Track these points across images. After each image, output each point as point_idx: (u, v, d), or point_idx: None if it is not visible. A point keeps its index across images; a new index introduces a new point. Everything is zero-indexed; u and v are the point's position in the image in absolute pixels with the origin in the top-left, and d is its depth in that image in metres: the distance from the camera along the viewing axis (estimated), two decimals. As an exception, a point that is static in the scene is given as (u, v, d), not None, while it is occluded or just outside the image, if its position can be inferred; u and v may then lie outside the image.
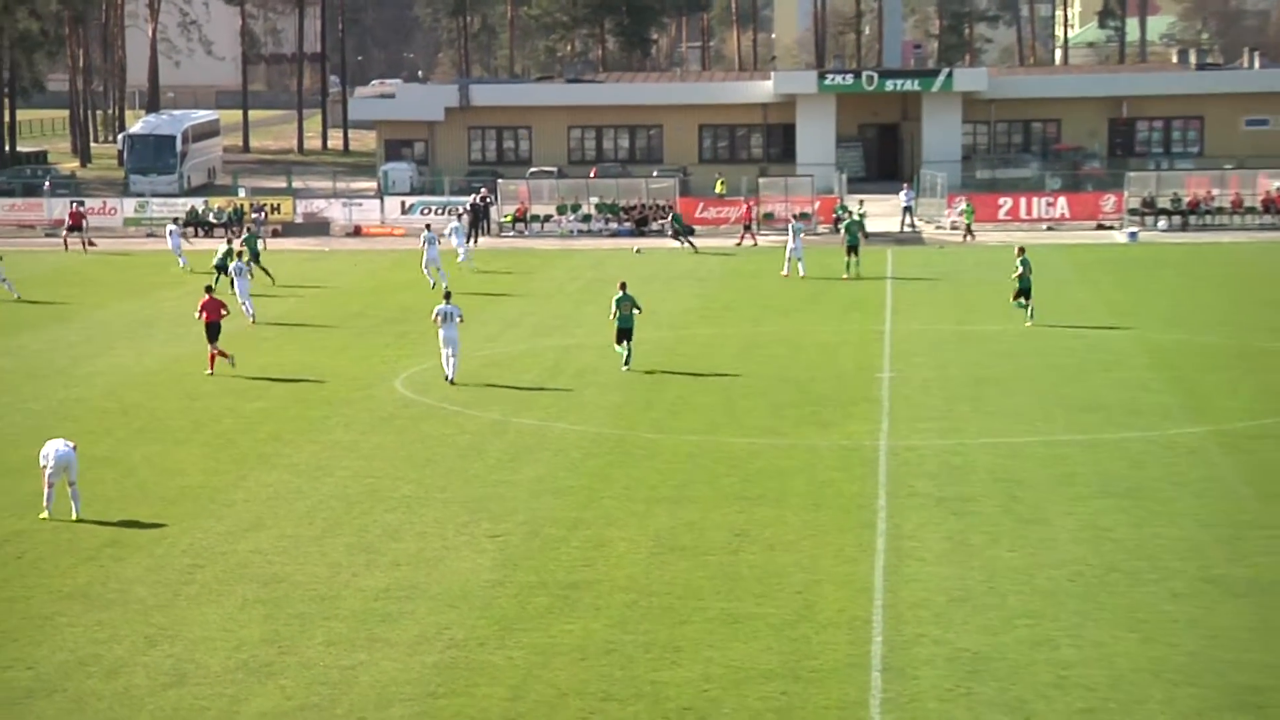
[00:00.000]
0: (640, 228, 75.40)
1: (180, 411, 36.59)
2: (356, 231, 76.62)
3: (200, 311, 41.44)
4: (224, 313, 41.47)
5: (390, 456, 32.26)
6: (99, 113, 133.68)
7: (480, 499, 28.95)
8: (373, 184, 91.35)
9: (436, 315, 39.94)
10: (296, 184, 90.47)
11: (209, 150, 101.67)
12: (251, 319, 48.23)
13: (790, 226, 61.38)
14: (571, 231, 75.25)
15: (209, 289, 42.63)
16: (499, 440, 33.62)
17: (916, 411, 35.74)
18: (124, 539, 26.55)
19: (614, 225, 75.70)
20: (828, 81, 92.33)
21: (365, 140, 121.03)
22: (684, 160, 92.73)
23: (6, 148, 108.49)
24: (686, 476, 30.44)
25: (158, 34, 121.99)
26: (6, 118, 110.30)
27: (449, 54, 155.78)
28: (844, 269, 57.36)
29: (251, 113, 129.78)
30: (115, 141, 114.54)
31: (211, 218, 77.00)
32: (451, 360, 39.39)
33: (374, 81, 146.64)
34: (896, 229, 72.43)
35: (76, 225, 70.91)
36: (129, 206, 79.84)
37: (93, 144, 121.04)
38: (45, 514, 27.79)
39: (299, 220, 77.31)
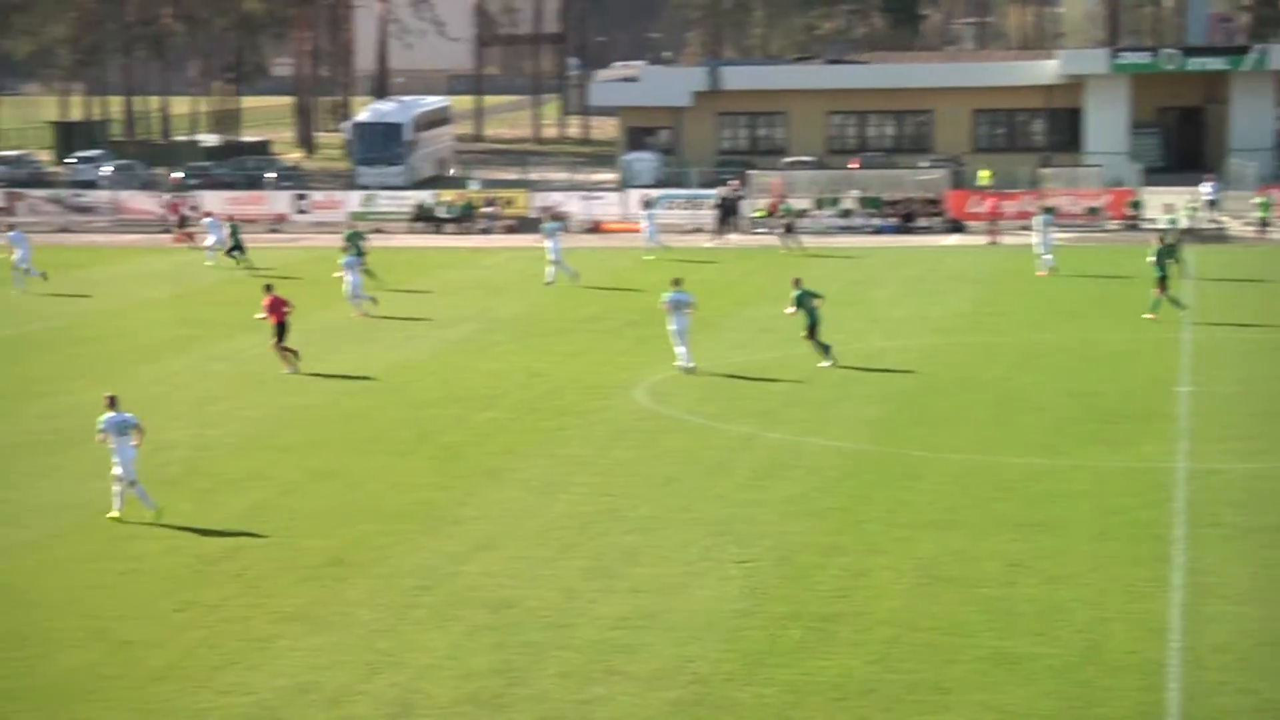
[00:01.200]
0: (906, 224, 74.85)
1: (406, 421, 37.31)
2: (595, 228, 77.31)
3: (267, 313, 42.65)
4: (287, 310, 42.68)
5: (629, 473, 32.48)
6: (324, 100, 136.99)
7: (726, 521, 28.98)
8: (613, 175, 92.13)
9: (666, 303, 40.46)
10: (532, 175, 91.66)
11: (439, 140, 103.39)
12: (361, 312, 50.72)
13: (1036, 220, 60.66)
14: (830, 228, 74.99)
15: (269, 288, 43.87)
16: (747, 457, 33.62)
17: (1219, 430, 34.88)
18: (346, 557, 27.14)
19: (877, 221, 75.25)
20: (1121, 60, 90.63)
21: (606, 128, 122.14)
22: (956, 149, 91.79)
23: (230, 137, 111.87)
24: (955, 500, 30.11)
25: (388, 14, 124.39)
26: (229, 105, 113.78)
27: (698, 34, 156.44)
28: (1150, 307, 48.81)
29: (485, 99, 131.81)
30: (341, 130, 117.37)
31: (443, 212, 78.37)
32: (683, 351, 40.09)
33: (616, 64, 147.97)
34: (1199, 225, 70.77)
35: (182, 221, 72.90)
36: (354, 200, 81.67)
37: (318, 133, 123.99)
38: (114, 513, 29.09)
39: (534, 215, 78.26)
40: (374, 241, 72.74)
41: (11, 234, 59.80)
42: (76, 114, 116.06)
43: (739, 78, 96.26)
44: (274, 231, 76.92)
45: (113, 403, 29.69)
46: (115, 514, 29.37)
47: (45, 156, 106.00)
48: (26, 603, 24.85)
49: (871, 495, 30.47)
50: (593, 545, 27.71)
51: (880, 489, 30.90)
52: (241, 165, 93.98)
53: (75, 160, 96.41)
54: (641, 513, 29.64)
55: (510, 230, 75.38)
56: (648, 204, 71.54)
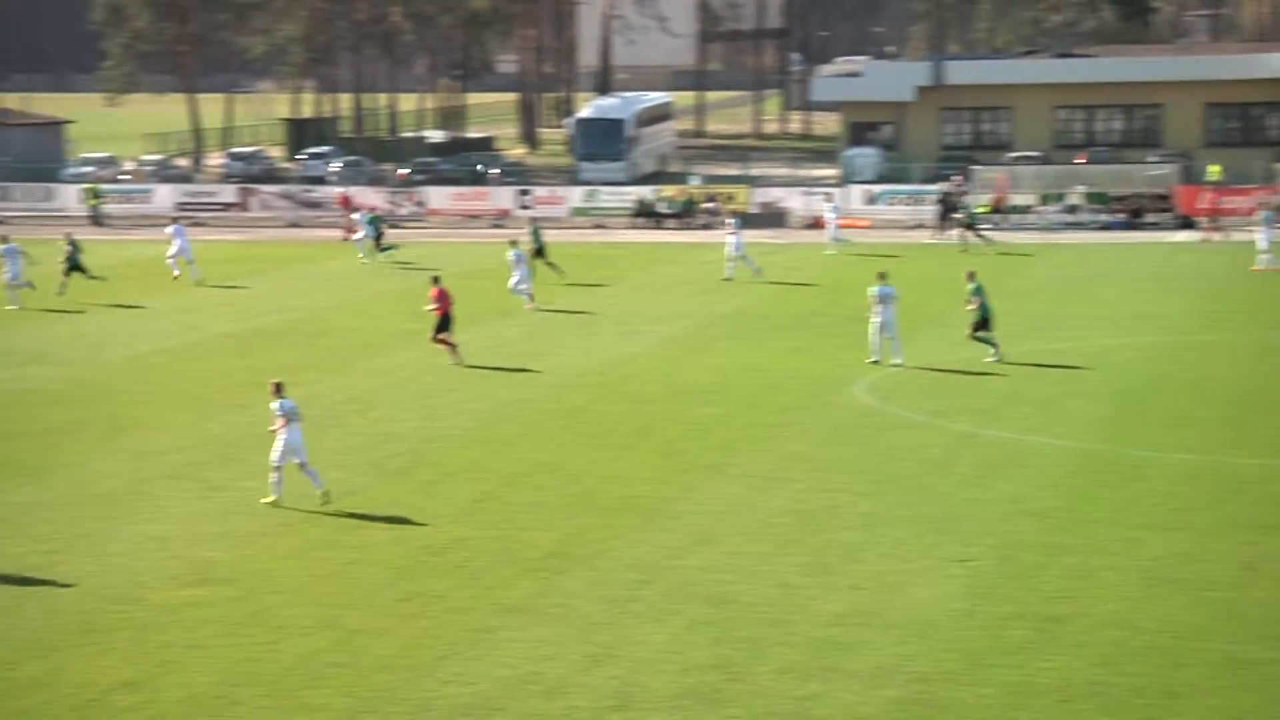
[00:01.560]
0: (1134, 220, 73.55)
1: (626, 416, 37.52)
2: (816, 223, 77.08)
3: (435, 304, 43.15)
4: (452, 303, 43.30)
5: (849, 469, 32.34)
6: (548, 96, 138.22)
7: (947, 519, 28.73)
8: (835, 171, 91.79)
9: (873, 296, 40.71)
10: (753, 171, 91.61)
11: (660, 135, 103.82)
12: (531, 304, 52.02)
13: (1261, 216, 59.57)
14: (1055, 224, 73.95)
15: (436, 279, 44.25)
16: (969, 454, 33.29)
17: None
18: (566, 550, 27.37)
19: (1104, 217, 74.05)
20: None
21: (828, 123, 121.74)
22: (1186, 144, 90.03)
23: (455, 133, 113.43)
24: (1184, 500, 29.54)
25: (611, 10, 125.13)
26: (455, 101, 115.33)
27: (922, 28, 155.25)
28: None
29: (707, 94, 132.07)
30: (563, 126, 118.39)
31: (664, 208, 78.68)
32: (892, 343, 40.94)
33: (838, 59, 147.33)
34: None
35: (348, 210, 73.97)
36: (576, 195, 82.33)
37: (541, 129, 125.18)
38: (270, 499, 29.77)
39: (755, 210, 78.25)
40: (597, 236, 73.22)
41: (172, 227, 61.14)
42: (307, 111, 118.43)
43: (963, 72, 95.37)
44: (496, 227, 77.80)
45: (279, 389, 30.24)
46: (271, 499, 30.04)
47: (277, 153, 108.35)
48: (260, 590, 25.41)
49: (1097, 495, 30.00)
50: (812, 541, 27.64)
51: (1106, 489, 30.41)
52: (466, 161, 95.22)
53: (305, 156, 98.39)
54: (861, 509, 29.49)
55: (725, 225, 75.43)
56: (828, 199, 71.37)
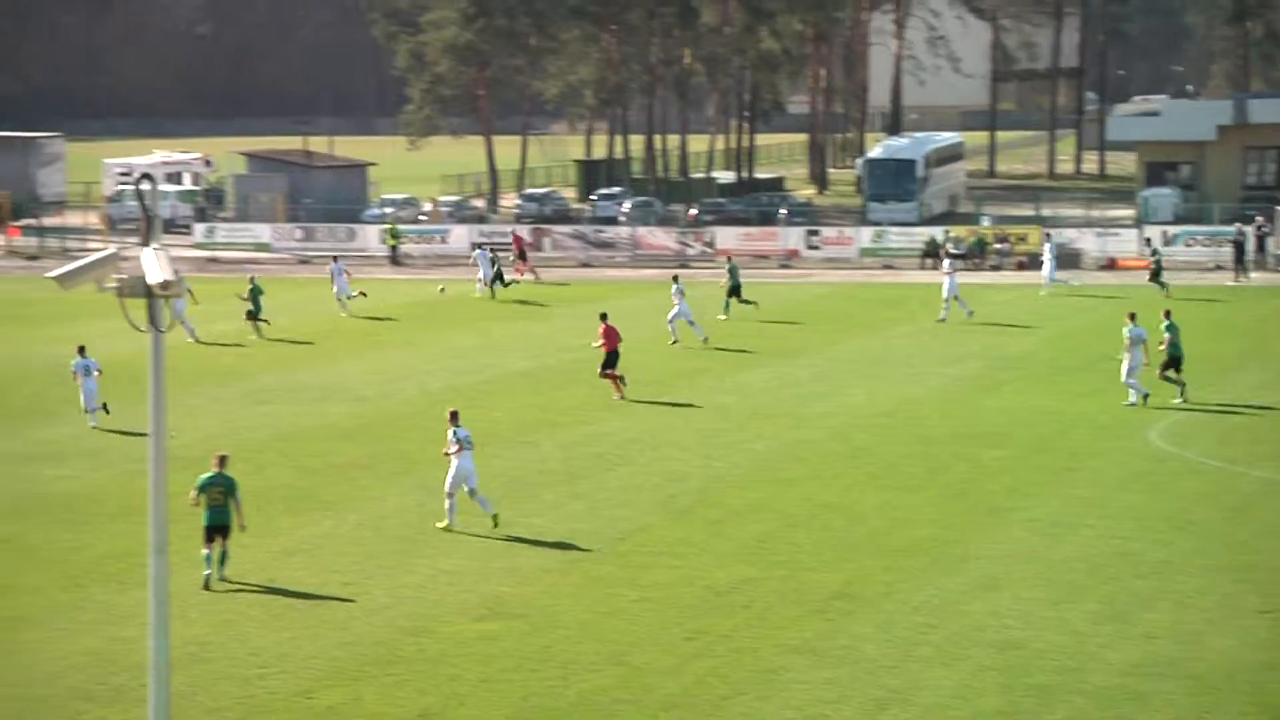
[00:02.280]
0: None
1: (913, 457, 37.23)
2: (1111, 264, 75.73)
3: (602, 340, 44.31)
4: (619, 340, 44.47)
5: (1142, 516, 31.66)
6: (838, 136, 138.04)
7: (1247, 568, 27.95)
8: (1130, 211, 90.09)
9: (1128, 337, 40.60)
10: (1045, 211, 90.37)
11: (951, 175, 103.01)
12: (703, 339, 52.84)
13: None
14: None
15: (604, 316, 45.36)
16: (1270, 502, 32.36)
17: None
18: (852, 591, 27.24)
19: None
20: None
21: (1124, 163, 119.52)
22: None
23: (745, 174, 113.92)
24: None
25: (903, 51, 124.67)
26: (745, 142, 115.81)
27: (1223, 65, 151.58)
28: None
29: (999, 134, 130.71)
30: (853, 166, 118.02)
31: (951, 248, 78.09)
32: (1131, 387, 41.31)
33: (1136, 98, 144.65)
34: None
35: (522, 254, 74.64)
36: (865, 236, 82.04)
37: (830, 169, 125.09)
38: (444, 524, 30.86)
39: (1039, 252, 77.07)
40: (885, 277, 72.88)
41: (334, 265, 63.00)
42: (600, 152, 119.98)
43: (1268, 110, 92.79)
44: (784, 268, 77.87)
45: (455, 418, 31.70)
46: (444, 524, 31.12)
47: (570, 194, 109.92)
48: (547, 625, 25.74)
49: (1405, 547, 28.91)
50: (1103, 589, 27.10)
51: None
52: (755, 201, 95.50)
53: (597, 197, 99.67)
54: (1156, 557, 28.84)
55: (1020, 267, 74.48)
56: (1048, 238, 70.09)
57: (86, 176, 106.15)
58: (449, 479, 31.22)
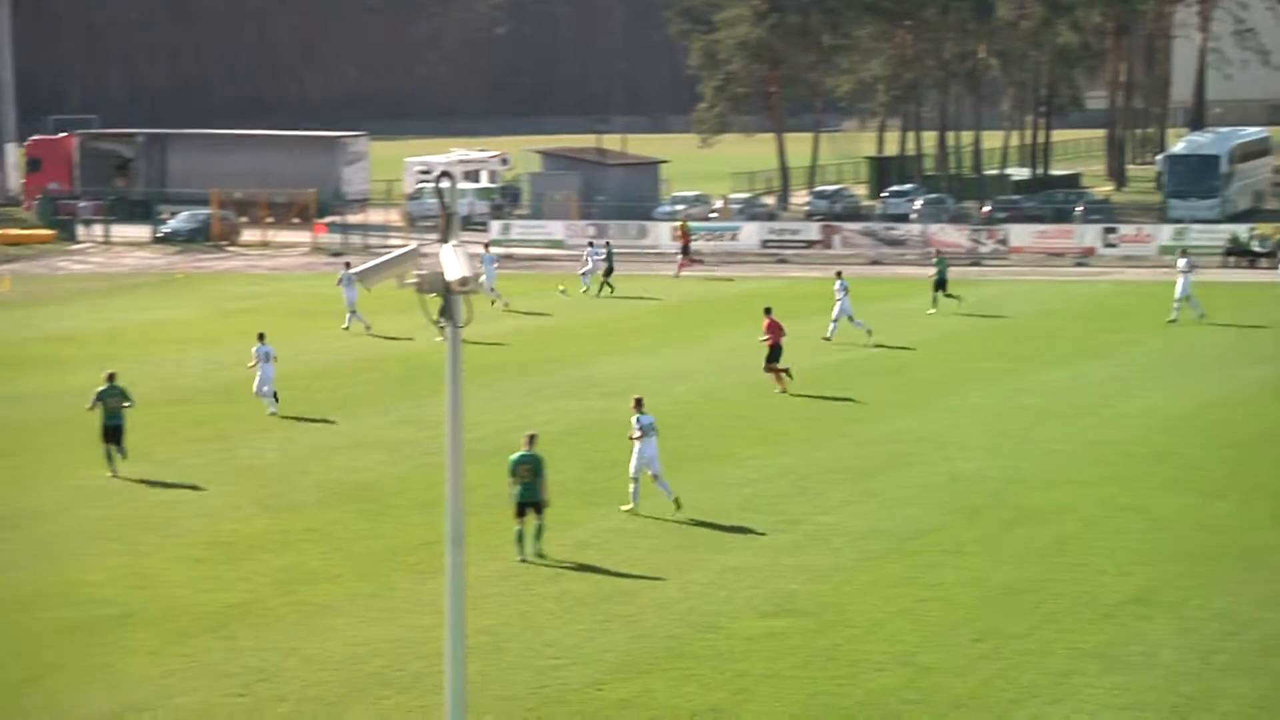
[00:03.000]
0: None
1: (1218, 461, 36.32)
2: None
3: (766, 335, 44.88)
4: (784, 334, 45.04)
5: None
6: (1137, 132, 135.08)
7: None
8: None
9: None
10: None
11: (1257, 171, 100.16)
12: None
13: None
14: None
15: (768, 310, 45.81)
16: None
17: None
18: (1149, 597, 26.69)
19: None
20: None
21: None
22: None
23: (1040, 170, 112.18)
24: None
25: (1208, 43, 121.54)
26: (1041, 138, 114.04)
27: None
28: None
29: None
30: (1153, 162, 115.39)
31: (1255, 246, 75.90)
32: None
33: None
34: None
35: (685, 249, 74.39)
36: (1165, 234, 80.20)
37: (1129, 166, 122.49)
38: (629, 506, 31.93)
39: (1359, 249, 74.49)
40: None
41: (485, 255, 63.31)
42: (891, 149, 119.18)
43: None
44: (1079, 265, 76.48)
45: (639, 404, 32.55)
46: (629, 507, 32.23)
47: (861, 191, 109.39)
48: (835, 624, 25.70)
49: None
50: None
51: None
52: (1050, 198, 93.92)
53: (888, 194, 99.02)
54: None
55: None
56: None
57: (388, 175, 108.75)
58: (632, 464, 32.31)
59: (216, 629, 25.79)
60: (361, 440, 39.42)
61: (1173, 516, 31.67)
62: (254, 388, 42.59)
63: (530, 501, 29.21)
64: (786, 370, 45.23)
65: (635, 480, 32.24)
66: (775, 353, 45.21)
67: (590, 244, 71.66)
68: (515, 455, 29.37)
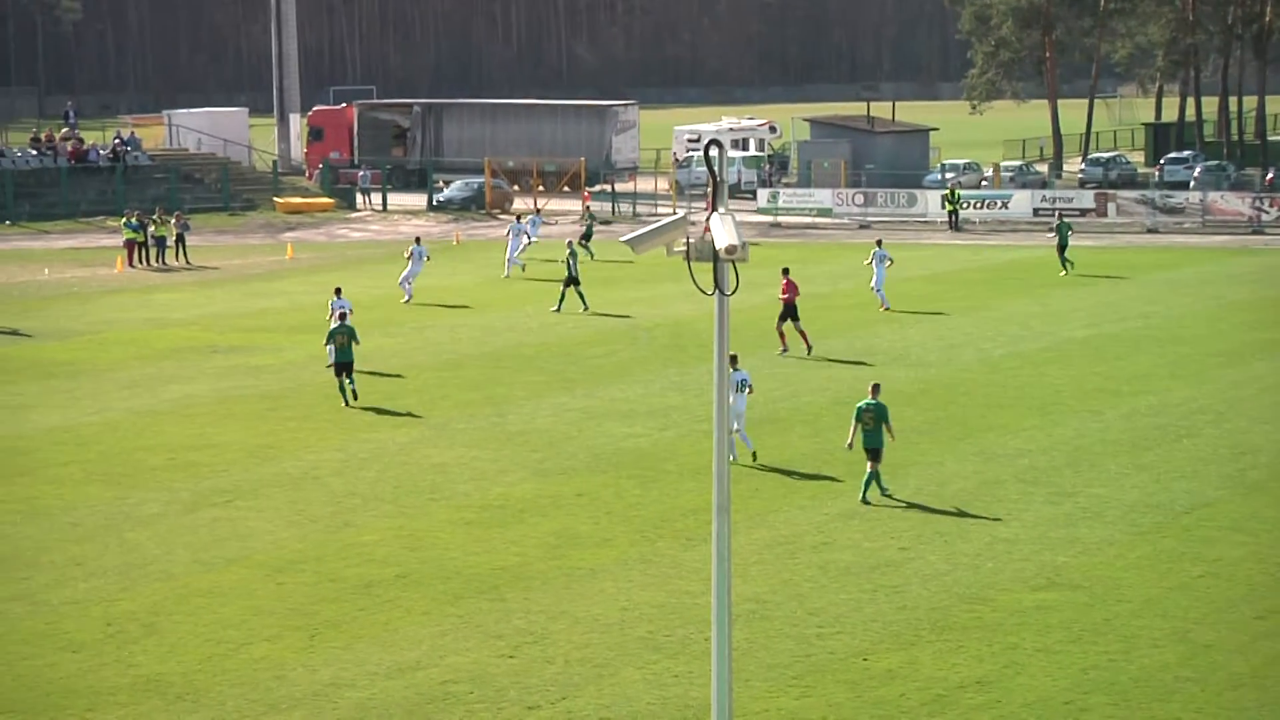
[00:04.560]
0: None
1: None
2: None
3: (784, 293, 45.66)
4: (798, 295, 45.70)
5: None
6: None
7: None
8: None
9: None
10: None
11: None
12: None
13: None
14: None
15: (786, 271, 46.13)
16: None
17: None
18: None
19: None
20: None
21: None
22: None
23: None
24: None
25: None
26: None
27: None
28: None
29: None
30: None
31: None
32: None
33: None
34: None
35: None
36: None
37: None
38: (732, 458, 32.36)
39: None
40: None
41: (515, 224, 64.40)
42: (1170, 115, 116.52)
43: None
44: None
45: (734, 361, 32.63)
46: (732, 459, 32.59)
47: (1137, 158, 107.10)
48: (1108, 598, 25.22)
49: None
50: None
51: None
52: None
53: (1165, 161, 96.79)
54: None
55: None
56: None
57: (658, 143, 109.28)
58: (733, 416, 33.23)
59: (487, 591, 26.18)
60: (631, 407, 39.69)
61: None
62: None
63: (872, 447, 30.70)
64: (803, 333, 45.86)
65: (736, 431, 33.26)
66: (789, 310, 45.86)
67: (518, 219, 67.79)
68: (861, 403, 31.11)
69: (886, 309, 53.37)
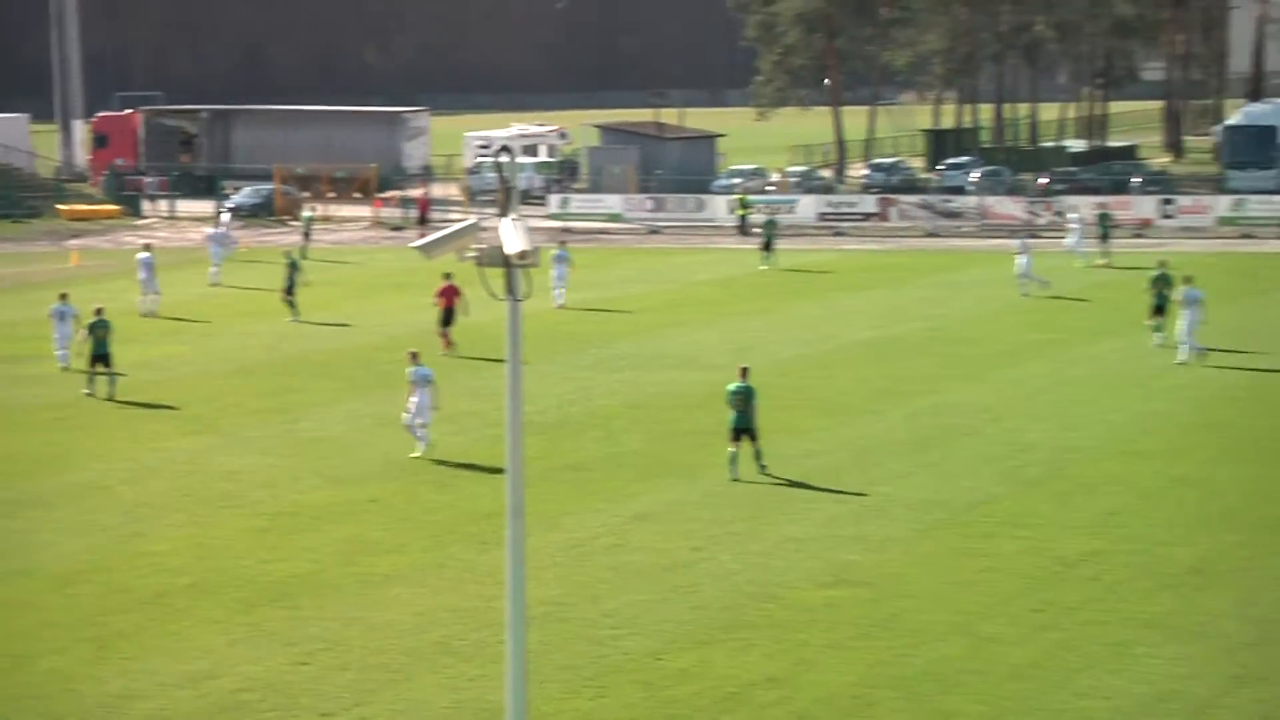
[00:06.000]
0: None
1: (1272, 431, 36.08)
2: None
3: (438, 298, 46.50)
4: (457, 299, 46.08)
5: None
6: (1194, 103, 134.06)
7: None
8: None
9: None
10: None
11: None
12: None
13: None
14: None
15: (448, 276, 46.19)
16: None
17: None
18: (1207, 567, 26.50)
19: None
20: None
21: None
22: None
23: (1097, 142, 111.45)
24: None
25: (1267, 13, 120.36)
26: (1098, 110, 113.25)
27: None
28: None
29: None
30: (1210, 134, 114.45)
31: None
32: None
33: None
34: None
35: (425, 217, 75.45)
36: (1223, 205, 79.58)
37: (1186, 137, 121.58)
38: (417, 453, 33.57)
39: None
40: (1243, 246, 70.61)
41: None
42: (948, 121, 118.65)
43: None
44: (1137, 236, 75.92)
45: (414, 358, 34.46)
46: (417, 454, 34.27)
47: (917, 163, 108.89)
48: (894, 594, 25.60)
49: None
50: None
51: None
52: (1108, 170, 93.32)
53: (945, 166, 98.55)
54: None
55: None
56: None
57: (449, 149, 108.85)
58: (410, 410, 34.30)
59: (280, 599, 25.88)
60: (423, 412, 39.43)
61: (1228, 487, 31.43)
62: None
63: (744, 427, 32.20)
64: (446, 334, 46.70)
65: (408, 428, 34.48)
66: (447, 316, 46.65)
67: (222, 212, 68.11)
68: (731, 386, 32.48)
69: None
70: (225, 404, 40.89)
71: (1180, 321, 43.45)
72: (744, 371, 32.86)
